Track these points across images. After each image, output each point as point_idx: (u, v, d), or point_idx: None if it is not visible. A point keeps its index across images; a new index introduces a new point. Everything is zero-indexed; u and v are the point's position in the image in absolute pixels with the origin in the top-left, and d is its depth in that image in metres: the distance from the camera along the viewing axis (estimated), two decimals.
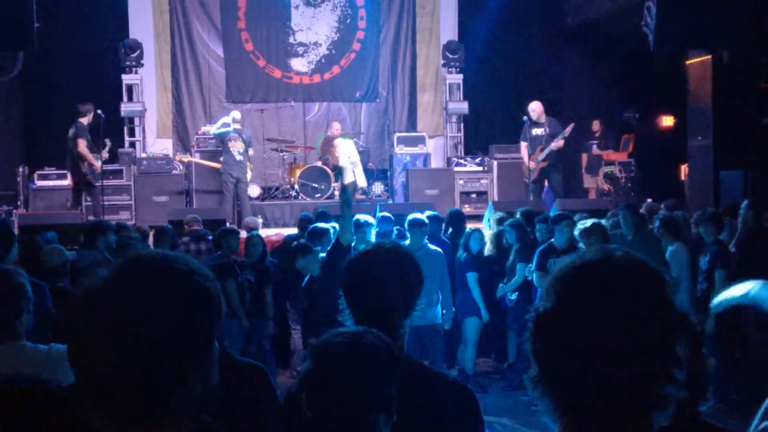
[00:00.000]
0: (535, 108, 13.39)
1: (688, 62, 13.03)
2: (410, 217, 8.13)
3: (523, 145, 13.44)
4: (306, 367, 2.01)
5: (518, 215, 9.10)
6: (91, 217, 12.50)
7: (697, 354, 2.29)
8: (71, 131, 12.82)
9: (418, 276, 2.60)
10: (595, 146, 16.19)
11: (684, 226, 8.48)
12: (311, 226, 8.34)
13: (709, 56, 12.49)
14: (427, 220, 8.17)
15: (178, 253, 1.54)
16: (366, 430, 1.93)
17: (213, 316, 1.48)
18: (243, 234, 10.13)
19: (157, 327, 1.39)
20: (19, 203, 14.24)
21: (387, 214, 9.62)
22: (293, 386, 2.56)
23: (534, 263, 7.92)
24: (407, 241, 7.92)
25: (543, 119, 13.41)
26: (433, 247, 8.06)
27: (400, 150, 15.75)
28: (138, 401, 1.39)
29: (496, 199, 14.18)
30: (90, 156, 12.85)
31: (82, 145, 12.76)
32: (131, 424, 1.41)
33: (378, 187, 15.61)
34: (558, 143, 13.03)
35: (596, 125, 16.27)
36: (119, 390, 1.39)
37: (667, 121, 16.04)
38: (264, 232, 10.70)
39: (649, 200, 12.19)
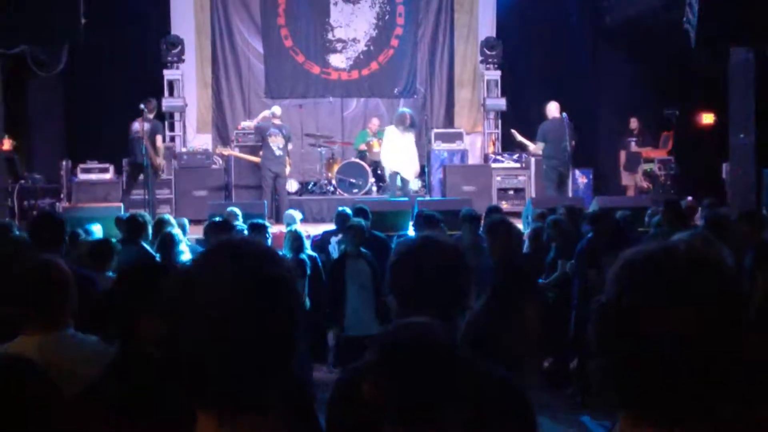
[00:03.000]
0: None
1: (730, 58, 12.88)
2: (464, 210, 8.12)
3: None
4: (369, 358, 2.02)
5: (560, 211, 9.08)
6: (142, 210, 12.68)
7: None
8: (148, 125, 12.98)
9: (468, 269, 2.60)
10: (633, 143, 16.07)
11: (728, 224, 8.41)
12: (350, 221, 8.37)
13: (752, 52, 12.35)
14: (481, 214, 8.16)
15: (256, 239, 1.56)
16: (431, 421, 1.94)
17: (299, 301, 1.52)
18: (283, 228, 10.24)
19: (262, 310, 1.40)
20: (62, 196, 14.47)
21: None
22: (344, 376, 2.60)
23: (575, 260, 7.89)
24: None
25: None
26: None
27: (437, 146, 15.77)
28: (242, 390, 1.40)
29: (533, 195, 14.14)
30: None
31: (160, 140, 13.17)
32: (234, 413, 1.42)
33: (415, 183, 15.65)
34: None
35: (634, 122, 16.13)
36: (223, 378, 1.39)
37: (708, 118, 15.85)
38: (302, 227, 10.75)
39: (689, 198, 12.09)
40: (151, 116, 13.22)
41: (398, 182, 13.98)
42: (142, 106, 13.18)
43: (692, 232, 7.76)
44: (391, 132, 13.75)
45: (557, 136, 13.20)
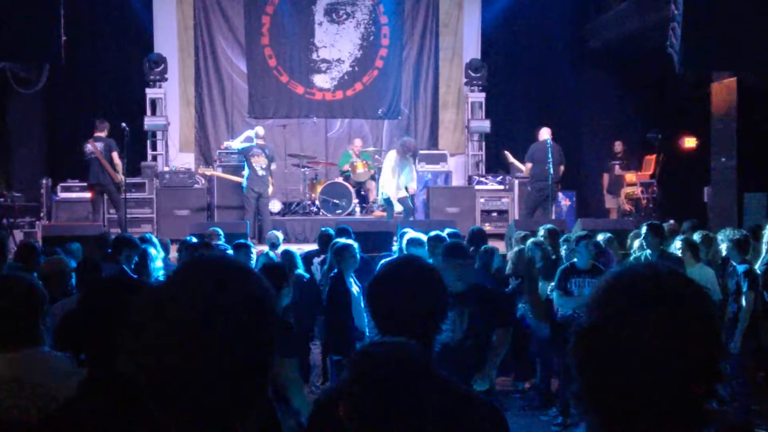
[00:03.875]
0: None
1: (713, 83, 12.97)
2: (432, 233, 8.10)
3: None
4: (345, 377, 2.02)
5: (541, 233, 9.06)
6: (115, 230, 12.61)
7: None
8: (101, 144, 12.92)
9: (444, 291, 2.62)
10: (617, 166, 16.14)
11: (708, 246, 8.42)
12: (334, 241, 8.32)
13: (734, 77, 12.44)
14: (447, 238, 8.13)
15: (231, 255, 1.51)
16: None
17: (276, 315, 1.47)
18: (264, 248, 10.17)
19: (233, 326, 1.36)
20: (42, 214, 14.34)
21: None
22: (321, 396, 2.58)
23: (555, 282, 7.86)
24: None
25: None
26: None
27: (421, 167, 15.75)
28: (210, 410, 1.36)
29: (516, 217, 14.14)
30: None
31: (116, 157, 13.06)
32: (202, 425, 1.38)
33: (398, 205, 15.61)
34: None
35: (618, 146, 16.22)
36: (191, 398, 1.35)
37: (690, 142, 15.95)
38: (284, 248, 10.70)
39: (671, 221, 12.11)
40: (102, 135, 13.12)
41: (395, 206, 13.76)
42: (97, 122, 13.17)
43: (669, 255, 7.82)
44: (392, 158, 13.45)
45: (544, 158, 13.35)
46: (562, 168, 13.65)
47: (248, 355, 1.37)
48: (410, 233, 8.55)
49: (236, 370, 1.36)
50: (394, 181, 13.16)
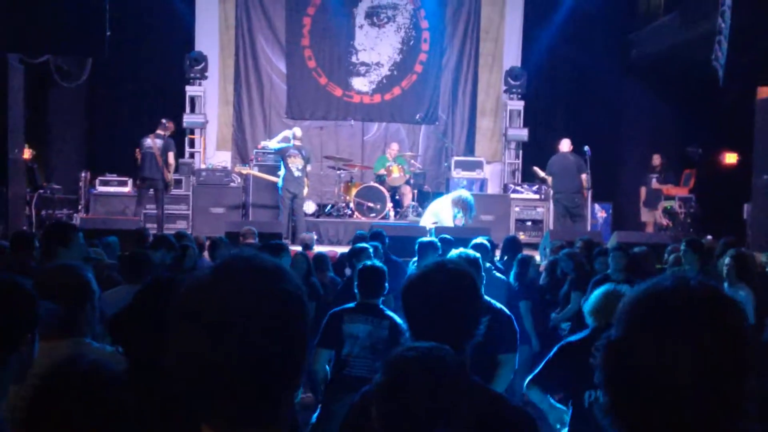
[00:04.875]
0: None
1: (758, 98, 12.78)
2: (475, 241, 8.02)
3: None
4: (377, 380, 2.01)
5: (578, 244, 9.01)
6: (151, 225, 12.74)
7: None
8: (160, 142, 13.11)
9: (478, 297, 2.62)
10: (654, 180, 15.96)
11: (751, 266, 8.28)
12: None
13: None
14: (489, 245, 8.07)
15: (264, 253, 1.50)
16: None
17: (308, 316, 1.46)
18: (297, 249, 10.18)
19: (270, 325, 1.36)
20: (80, 207, 14.50)
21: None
22: (355, 401, 2.58)
23: (588, 293, 7.78)
24: None
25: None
26: (498, 274, 7.96)
27: (457, 174, 15.72)
28: (247, 405, 1.35)
29: (551, 227, 14.04)
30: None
31: (171, 157, 13.30)
32: (239, 429, 1.37)
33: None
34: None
35: (657, 159, 16.04)
36: (227, 393, 1.34)
37: (731, 157, 15.73)
38: (318, 249, 10.72)
39: (709, 237, 11.94)
40: (165, 134, 13.28)
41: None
42: (164, 121, 13.29)
43: (709, 270, 7.69)
44: (442, 203, 13.22)
45: (561, 170, 13.38)
46: (584, 177, 13.68)
47: (282, 351, 1.37)
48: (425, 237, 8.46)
49: (271, 366, 1.35)
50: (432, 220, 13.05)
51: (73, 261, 3.64)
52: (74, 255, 4.73)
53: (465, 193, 13.22)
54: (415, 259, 8.14)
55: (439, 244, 8.03)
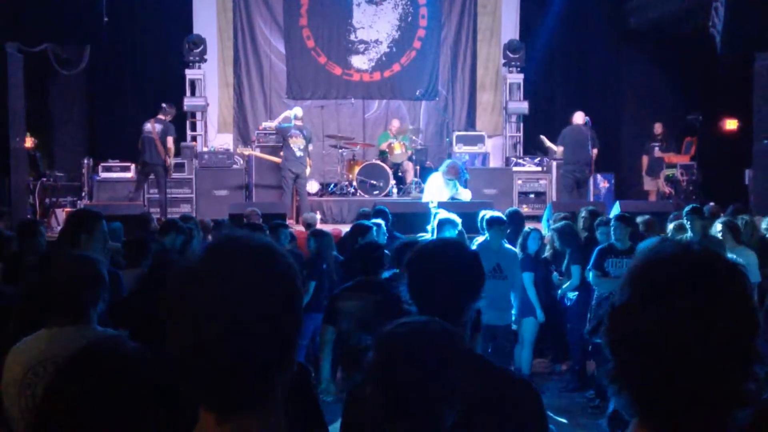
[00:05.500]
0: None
1: (755, 64, 12.75)
2: (489, 215, 8.06)
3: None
4: (368, 359, 1.98)
5: (583, 214, 9.11)
6: (154, 210, 12.82)
7: None
8: (160, 126, 13.19)
9: (480, 271, 2.62)
10: (656, 148, 15.95)
11: (752, 229, 8.32)
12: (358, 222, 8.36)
13: None
14: (506, 219, 8.14)
15: (256, 234, 1.52)
16: (430, 421, 1.90)
17: (302, 296, 1.49)
18: (301, 228, 10.24)
19: (262, 306, 1.37)
20: (83, 194, 14.55)
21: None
22: (355, 381, 2.59)
23: (591, 262, 7.83)
24: (479, 239, 7.98)
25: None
26: (509, 246, 8.04)
27: (458, 149, 15.73)
28: (239, 388, 1.38)
29: (554, 199, 14.07)
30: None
31: (171, 142, 13.34)
32: (231, 411, 1.39)
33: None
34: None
35: (658, 128, 16.02)
36: (220, 377, 1.36)
37: (731, 124, 15.71)
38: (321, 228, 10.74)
39: (712, 204, 11.97)
40: (166, 118, 13.31)
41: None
42: (164, 105, 13.32)
43: (711, 237, 7.74)
44: (437, 179, 13.13)
45: (574, 142, 13.34)
46: (595, 152, 13.69)
47: (272, 333, 1.38)
48: (442, 213, 8.54)
49: (261, 347, 1.37)
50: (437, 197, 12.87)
51: (93, 254, 3.66)
52: (97, 242, 4.74)
53: (449, 161, 13.20)
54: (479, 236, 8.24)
55: (458, 220, 8.09)
